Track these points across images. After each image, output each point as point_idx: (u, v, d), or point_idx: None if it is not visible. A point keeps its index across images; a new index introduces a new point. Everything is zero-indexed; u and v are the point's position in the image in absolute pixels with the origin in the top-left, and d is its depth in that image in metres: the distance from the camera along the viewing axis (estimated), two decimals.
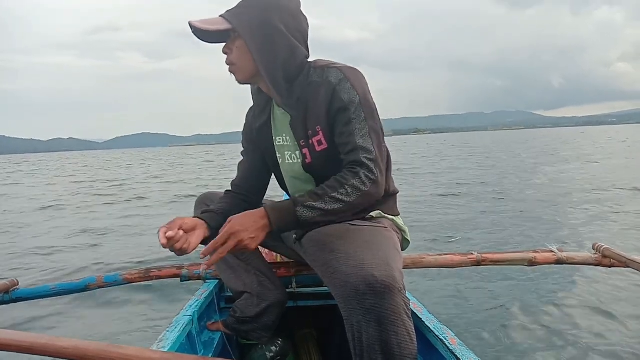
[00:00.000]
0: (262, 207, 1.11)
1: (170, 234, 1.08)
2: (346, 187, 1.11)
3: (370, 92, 1.21)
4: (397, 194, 1.39)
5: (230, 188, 1.43)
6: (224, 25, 1.17)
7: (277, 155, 1.35)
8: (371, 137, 1.15)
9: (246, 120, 1.43)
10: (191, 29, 1.18)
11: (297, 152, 1.28)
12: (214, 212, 1.29)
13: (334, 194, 1.10)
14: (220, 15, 1.19)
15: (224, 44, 1.22)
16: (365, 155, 1.13)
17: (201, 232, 1.19)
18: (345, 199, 1.10)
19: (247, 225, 1.08)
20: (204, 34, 1.19)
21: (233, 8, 1.19)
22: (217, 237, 1.08)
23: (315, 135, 1.21)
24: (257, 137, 1.38)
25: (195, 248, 1.17)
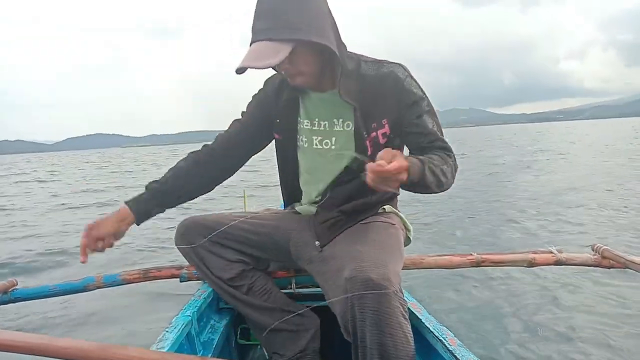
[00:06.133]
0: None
1: (88, 251, 1.24)
2: (450, 164, 1.17)
3: None
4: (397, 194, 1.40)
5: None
6: (284, 51, 1.07)
7: (298, 137, 1.32)
8: (441, 130, 1.23)
9: (265, 86, 1.36)
10: (240, 71, 1.08)
11: (333, 139, 1.26)
12: (154, 190, 1.32)
13: (443, 167, 1.13)
14: (266, 40, 1.07)
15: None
16: (447, 144, 1.20)
17: (124, 226, 1.30)
18: (449, 176, 1.16)
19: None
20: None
21: (276, 24, 1.07)
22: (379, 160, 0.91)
23: (380, 127, 1.22)
24: (276, 113, 1.32)
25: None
